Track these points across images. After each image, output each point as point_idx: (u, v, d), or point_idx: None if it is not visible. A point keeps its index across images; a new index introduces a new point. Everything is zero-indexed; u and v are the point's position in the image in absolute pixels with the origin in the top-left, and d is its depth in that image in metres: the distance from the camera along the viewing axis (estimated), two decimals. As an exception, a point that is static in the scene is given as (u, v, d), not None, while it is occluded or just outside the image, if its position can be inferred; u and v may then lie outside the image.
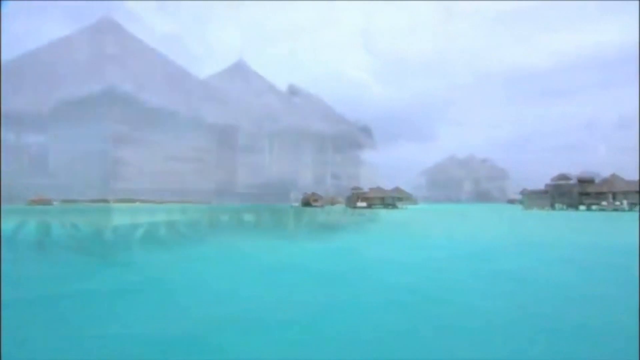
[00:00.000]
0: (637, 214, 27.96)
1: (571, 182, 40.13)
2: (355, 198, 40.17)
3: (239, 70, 23.73)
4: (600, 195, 36.34)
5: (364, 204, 38.97)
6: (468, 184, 76.39)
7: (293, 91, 26.89)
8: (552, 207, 37.64)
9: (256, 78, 23.10)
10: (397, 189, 47.34)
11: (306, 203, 21.47)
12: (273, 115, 19.34)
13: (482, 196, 74.14)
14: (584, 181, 38.67)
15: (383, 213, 32.23)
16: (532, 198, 40.11)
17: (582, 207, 36.49)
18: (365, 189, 43.29)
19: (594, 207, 36.03)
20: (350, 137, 24.34)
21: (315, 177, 23.16)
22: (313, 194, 21.97)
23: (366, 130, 27.98)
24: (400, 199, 41.62)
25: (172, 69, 16.47)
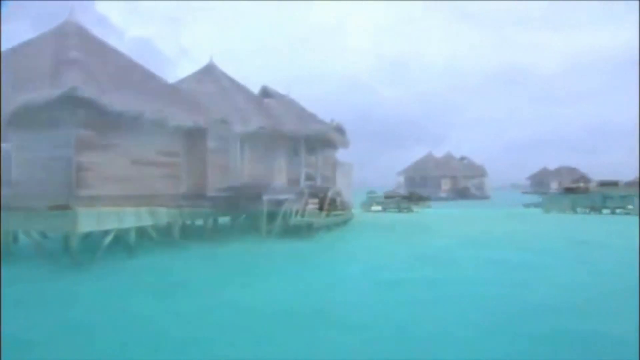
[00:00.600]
0: None
1: (592, 184, 39.27)
2: (371, 202, 40.10)
3: (209, 72, 23.38)
4: (625, 199, 34.68)
5: (378, 208, 38.56)
6: (447, 182, 76.84)
7: (266, 93, 26.58)
8: (574, 210, 35.99)
9: (227, 80, 22.76)
10: (412, 193, 47.28)
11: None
12: (245, 117, 19.05)
13: (460, 194, 74.58)
14: (607, 184, 37.57)
15: (422, 220, 29.96)
16: (552, 201, 38.86)
17: (605, 211, 34.81)
18: (380, 192, 43.29)
19: (618, 210, 34.41)
20: (324, 137, 24.08)
21: (289, 179, 22.97)
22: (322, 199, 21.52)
23: (340, 130, 27.68)
24: (416, 203, 41.27)
25: (138, 72, 15.95)
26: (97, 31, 17.84)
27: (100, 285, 10.75)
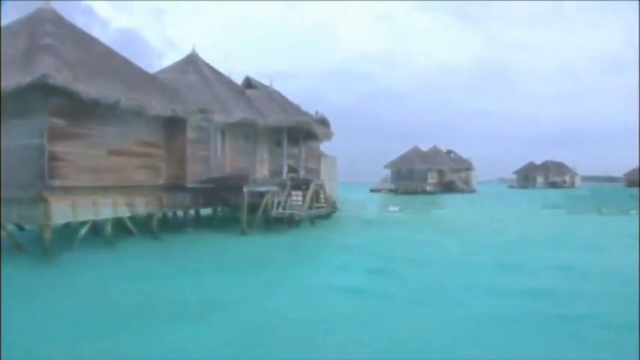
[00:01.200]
0: None
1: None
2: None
3: (191, 62, 22.80)
4: None
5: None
6: (434, 175, 76.91)
7: (249, 84, 26.12)
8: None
9: (209, 70, 22.12)
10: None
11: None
12: (226, 107, 18.50)
13: (447, 187, 74.81)
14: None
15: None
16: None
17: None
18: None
19: None
20: (308, 128, 23.60)
21: (271, 171, 22.64)
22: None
23: (324, 122, 27.37)
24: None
25: (116, 60, 15.24)
26: (81, 21, 17.38)
27: (62, 282, 10.32)
